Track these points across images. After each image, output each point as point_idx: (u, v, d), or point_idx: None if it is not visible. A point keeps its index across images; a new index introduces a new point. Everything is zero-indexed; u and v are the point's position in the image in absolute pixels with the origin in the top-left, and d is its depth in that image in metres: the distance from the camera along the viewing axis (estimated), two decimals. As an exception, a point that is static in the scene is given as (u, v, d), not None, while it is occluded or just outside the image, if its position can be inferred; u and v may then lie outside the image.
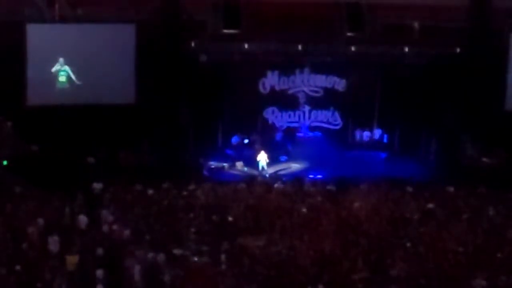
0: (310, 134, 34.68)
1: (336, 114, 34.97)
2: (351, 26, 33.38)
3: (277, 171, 32.35)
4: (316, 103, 34.73)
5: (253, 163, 32.55)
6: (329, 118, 35.01)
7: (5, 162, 29.57)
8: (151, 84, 31.38)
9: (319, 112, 34.90)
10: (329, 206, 26.56)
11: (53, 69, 30.92)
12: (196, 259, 21.68)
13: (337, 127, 35.05)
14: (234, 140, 33.99)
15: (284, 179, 30.46)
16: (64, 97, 31.11)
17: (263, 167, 32.24)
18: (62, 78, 31.09)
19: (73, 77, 31.10)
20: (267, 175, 31.67)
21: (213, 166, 32.27)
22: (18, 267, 20.51)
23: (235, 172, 32.26)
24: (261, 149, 32.68)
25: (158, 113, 31.71)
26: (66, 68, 31.03)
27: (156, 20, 31.86)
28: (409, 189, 28.36)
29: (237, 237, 23.48)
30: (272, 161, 32.74)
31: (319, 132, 34.77)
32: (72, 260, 21.29)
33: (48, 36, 30.93)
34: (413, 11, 33.22)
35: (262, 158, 32.39)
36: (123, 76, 31.46)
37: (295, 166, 32.82)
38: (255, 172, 32.07)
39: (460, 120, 33.03)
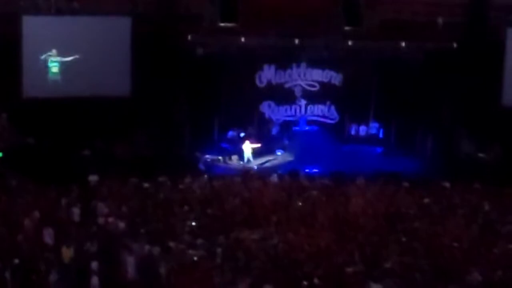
0: (307, 128, 34.64)
1: (333, 108, 34.96)
2: (348, 20, 33.38)
3: (263, 162, 32.36)
4: (313, 97, 34.71)
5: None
6: (326, 112, 35.00)
7: (0, 154, 29.52)
8: (147, 77, 31.32)
9: (316, 106, 34.87)
10: (325, 200, 26.58)
11: (43, 57, 30.84)
12: (191, 252, 21.63)
13: (333, 122, 35.05)
14: (230, 133, 33.96)
15: (279, 172, 30.44)
16: (59, 90, 31.04)
17: (248, 159, 32.22)
18: (54, 69, 31.01)
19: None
20: (255, 167, 31.64)
21: (208, 160, 32.24)
22: (13, 260, 20.45)
23: (229, 166, 32.25)
24: (246, 139, 32.64)
25: (154, 106, 31.68)
26: (58, 58, 30.94)
27: (152, 13, 31.81)
28: (405, 183, 28.32)
29: (233, 231, 23.44)
30: (265, 153, 32.77)
31: (315, 126, 34.75)
32: (67, 252, 21.26)
33: (44, 28, 30.82)
34: (410, 6, 33.21)
35: (247, 148, 32.32)
36: (119, 69, 31.40)
37: (282, 158, 32.84)
38: (241, 164, 32.07)
39: (456, 115, 33.09)
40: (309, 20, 32.27)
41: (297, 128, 34.56)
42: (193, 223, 23.74)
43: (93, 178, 27.20)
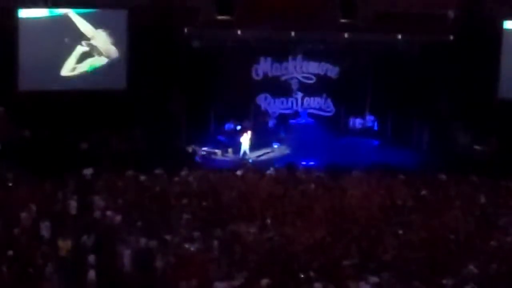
0: (303, 121, 34.65)
1: (329, 101, 35.01)
2: (344, 13, 33.33)
3: (260, 155, 32.36)
4: (309, 90, 34.74)
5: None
6: (322, 105, 35.04)
7: (-3, 148, 29.56)
8: (143, 70, 31.30)
9: (312, 99, 34.90)
10: (322, 193, 26.59)
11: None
12: (187, 245, 21.65)
13: (330, 114, 35.07)
14: (227, 126, 33.95)
15: (275, 165, 30.44)
16: (56, 83, 31.00)
17: (245, 152, 32.21)
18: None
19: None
20: (250, 160, 31.64)
21: (205, 153, 32.22)
22: (10, 253, 20.47)
23: (225, 158, 32.24)
24: (243, 132, 32.60)
25: (150, 99, 31.65)
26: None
27: (149, 5, 31.75)
28: (401, 176, 28.35)
29: (229, 224, 23.45)
30: (261, 146, 32.77)
31: (311, 119, 34.76)
32: (64, 245, 21.27)
33: (40, 21, 30.75)
34: (406, -2, 33.26)
35: (245, 140, 32.28)
36: (115, 62, 31.38)
37: (278, 151, 32.85)
38: (237, 157, 32.07)
39: (453, 108, 33.09)
40: (305, 13, 32.26)
41: (298, 120, 34.51)
42: (187, 216, 23.71)
43: (89, 171, 27.17)
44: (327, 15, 33.16)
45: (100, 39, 31.08)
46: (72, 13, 30.62)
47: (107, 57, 31.34)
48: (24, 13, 30.40)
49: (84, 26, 30.77)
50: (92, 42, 31.01)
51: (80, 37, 30.86)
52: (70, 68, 30.92)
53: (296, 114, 34.76)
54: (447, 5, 33.19)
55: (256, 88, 34.28)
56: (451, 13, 33.05)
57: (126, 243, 21.48)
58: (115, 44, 31.37)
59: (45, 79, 30.72)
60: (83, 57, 31.06)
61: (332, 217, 24.29)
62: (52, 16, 30.61)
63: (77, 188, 25.69)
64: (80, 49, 30.93)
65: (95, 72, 31.29)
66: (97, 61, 31.30)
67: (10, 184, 26.01)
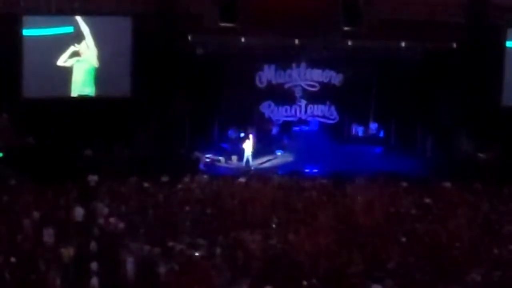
0: (306, 128, 34.62)
1: (332, 108, 34.89)
2: (348, 20, 33.24)
3: (263, 162, 32.35)
4: (313, 97, 34.68)
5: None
6: (325, 113, 34.95)
7: (0, 154, 29.53)
8: (147, 77, 31.33)
9: (316, 106, 34.86)
10: (325, 200, 26.58)
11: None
12: (191, 252, 21.63)
13: (333, 122, 35.00)
14: (230, 133, 33.96)
15: (279, 172, 30.45)
16: (60, 90, 31.04)
17: (247, 159, 32.20)
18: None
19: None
20: (252, 168, 31.63)
21: (208, 160, 32.24)
22: (12, 259, 20.47)
23: (229, 166, 32.24)
24: (246, 139, 32.57)
25: (154, 106, 31.68)
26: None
27: (153, 13, 31.80)
28: (405, 184, 28.33)
29: (232, 231, 23.43)
30: (265, 153, 32.75)
31: (315, 127, 34.72)
32: (67, 252, 21.26)
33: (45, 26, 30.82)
34: (410, 6, 33.18)
35: (248, 146, 32.26)
36: (119, 69, 31.41)
37: (281, 158, 32.84)
38: (241, 164, 32.06)
39: (456, 115, 33.06)
40: (309, 20, 32.23)
41: (302, 128, 34.48)
42: (191, 223, 23.70)
43: (93, 178, 27.19)
44: (331, 22, 33.12)
45: (90, 45, 31.18)
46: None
47: (89, 62, 31.43)
48: (28, 20, 30.47)
49: (84, 28, 30.94)
50: (82, 45, 31.08)
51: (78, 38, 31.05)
52: (63, 60, 30.96)
53: (301, 122, 34.68)
54: (451, 12, 33.17)
55: (259, 95, 34.23)
56: (413, 20, 33.08)
57: (129, 250, 21.47)
58: (114, 52, 31.44)
59: (49, 86, 30.77)
60: (72, 54, 31.07)
61: (336, 224, 24.27)
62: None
63: (80, 195, 25.70)
64: (72, 48, 30.99)
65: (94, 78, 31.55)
66: (80, 61, 31.27)
67: (14, 191, 26.01)
